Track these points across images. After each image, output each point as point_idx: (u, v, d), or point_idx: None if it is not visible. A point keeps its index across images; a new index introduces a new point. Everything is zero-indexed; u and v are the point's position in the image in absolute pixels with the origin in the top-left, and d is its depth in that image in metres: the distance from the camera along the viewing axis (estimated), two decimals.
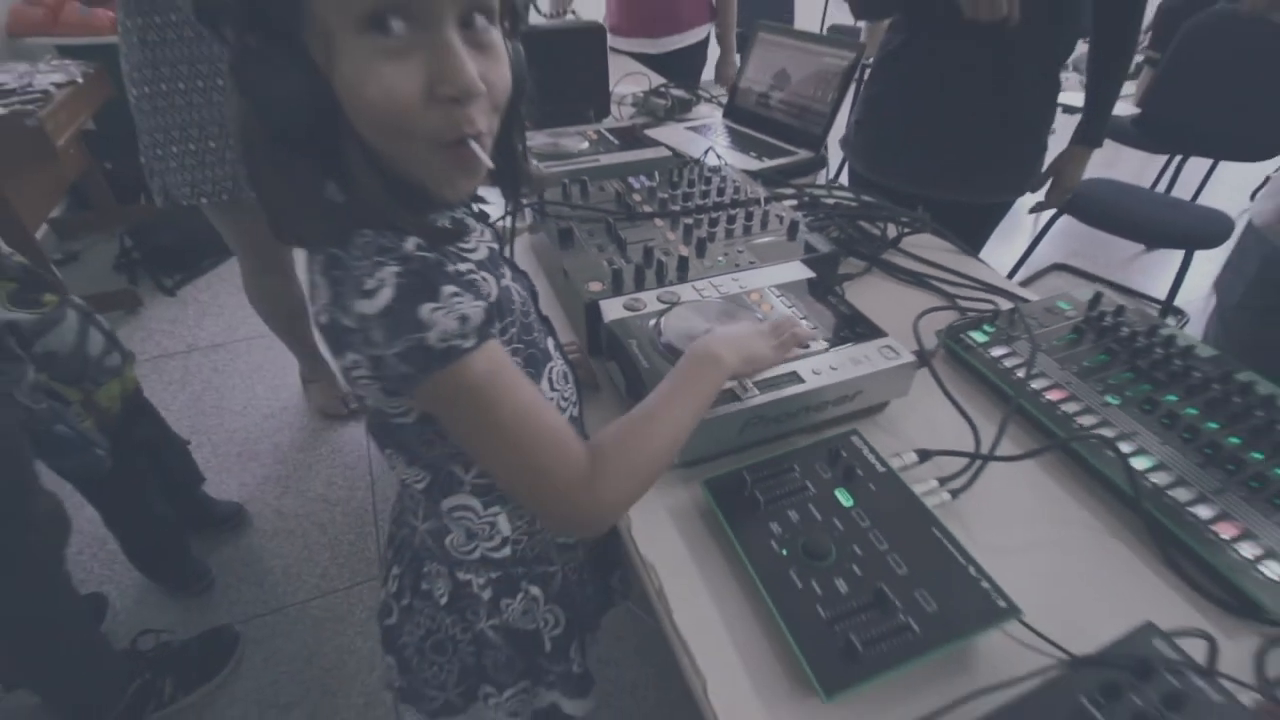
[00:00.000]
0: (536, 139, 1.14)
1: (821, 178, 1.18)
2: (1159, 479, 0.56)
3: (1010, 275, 2.31)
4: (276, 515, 1.50)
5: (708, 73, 2.22)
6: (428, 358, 0.37)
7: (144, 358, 1.97)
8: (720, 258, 0.76)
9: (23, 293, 0.97)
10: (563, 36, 1.36)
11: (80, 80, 2.17)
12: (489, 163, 0.41)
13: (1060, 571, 0.51)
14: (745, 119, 1.35)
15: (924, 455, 0.59)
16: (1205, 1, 3.08)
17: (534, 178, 0.44)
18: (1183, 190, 2.67)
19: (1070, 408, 0.63)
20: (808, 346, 0.61)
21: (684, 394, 0.49)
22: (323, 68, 0.36)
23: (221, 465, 1.61)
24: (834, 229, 0.95)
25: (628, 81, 1.55)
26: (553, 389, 0.52)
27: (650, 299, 0.68)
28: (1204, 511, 0.53)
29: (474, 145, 0.39)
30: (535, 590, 0.57)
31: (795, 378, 0.59)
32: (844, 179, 1.39)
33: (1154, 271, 2.51)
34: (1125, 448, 0.58)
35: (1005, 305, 0.78)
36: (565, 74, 1.32)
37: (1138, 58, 3.41)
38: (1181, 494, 0.55)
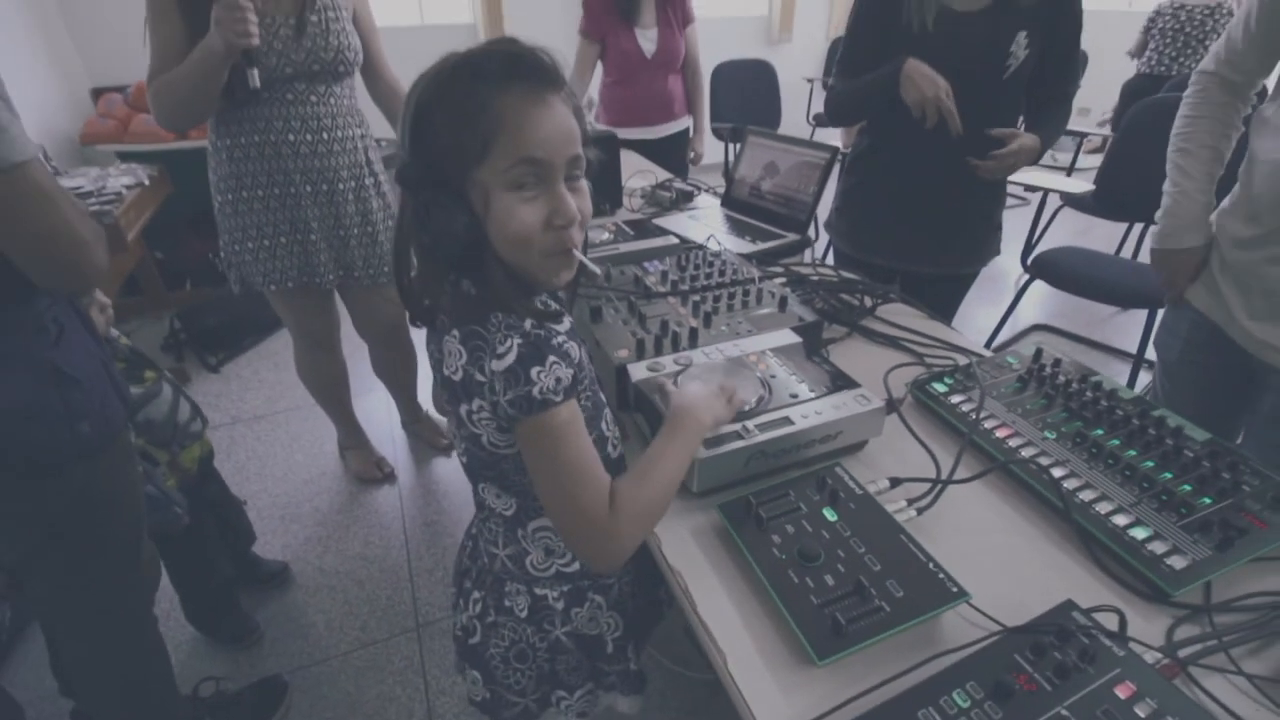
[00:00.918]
0: None
1: (808, 256, 1.36)
2: (1086, 495, 0.69)
3: (993, 336, 2.49)
4: (318, 573, 1.60)
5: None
6: (529, 405, 0.54)
7: None
8: (724, 327, 0.92)
9: (130, 370, 1.14)
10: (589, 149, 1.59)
11: (146, 182, 2.45)
12: (591, 265, 0.61)
13: (1003, 566, 0.65)
14: (740, 207, 1.56)
15: (895, 482, 0.73)
16: (1159, 84, 3.41)
17: (590, 273, 0.63)
18: (1147, 254, 2.87)
19: (1014, 442, 0.77)
20: (749, 405, 0.75)
21: (674, 448, 0.64)
22: (478, 210, 0.55)
23: (266, 527, 1.73)
24: (818, 301, 1.12)
25: (636, 177, 1.77)
26: (608, 429, 0.68)
27: (668, 362, 0.84)
28: (1121, 519, 0.66)
29: (576, 254, 0.58)
30: (599, 598, 0.71)
31: (788, 421, 0.73)
32: (831, 253, 1.58)
33: (1129, 329, 2.67)
34: (1058, 472, 0.72)
35: (964, 360, 0.93)
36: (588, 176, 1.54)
37: (1101, 135, 3.72)
38: (1104, 506, 0.68)
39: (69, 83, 3.03)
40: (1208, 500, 0.67)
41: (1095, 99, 4.54)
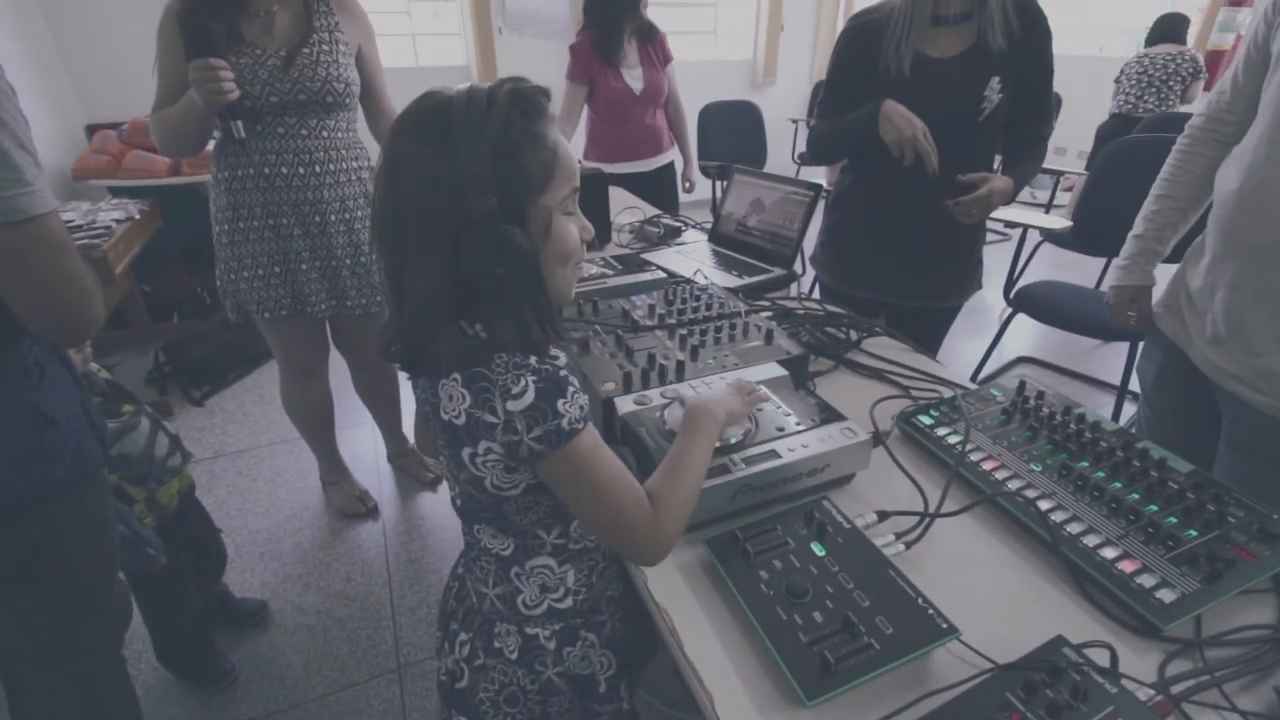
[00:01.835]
0: None
1: (794, 290, 1.38)
2: (1073, 528, 0.69)
3: (979, 369, 2.52)
4: (298, 611, 1.56)
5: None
6: (559, 438, 0.55)
7: None
8: (710, 360, 0.93)
9: (107, 404, 1.13)
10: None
11: (137, 216, 2.45)
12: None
13: (992, 601, 0.64)
14: (727, 243, 1.58)
15: (883, 515, 0.72)
16: (1131, 125, 3.57)
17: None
18: None
19: (1001, 474, 0.77)
20: (768, 399, 0.79)
21: (697, 443, 0.66)
22: (536, 237, 0.57)
23: (245, 564, 1.69)
24: (805, 334, 1.13)
25: (625, 213, 1.80)
26: None
27: (655, 396, 0.84)
28: (1109, 552, 0.66)
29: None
30: (591, 636, 0.70)
31: (775, 454, 0.73)
32: (817, 287, 1.60)
33: (1111, 361, 2.71)
34: (1045, 504, 0.72)
35: (949, 393, 0.94)
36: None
37: (1077, 175, 3.84)
38: (1091, 539, 0.68)
39: (64, 118, 3.06)
40: (1194, 532, 0.67)
41: (1070, 139, 4.71)
